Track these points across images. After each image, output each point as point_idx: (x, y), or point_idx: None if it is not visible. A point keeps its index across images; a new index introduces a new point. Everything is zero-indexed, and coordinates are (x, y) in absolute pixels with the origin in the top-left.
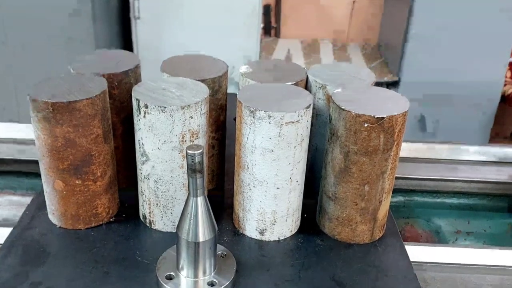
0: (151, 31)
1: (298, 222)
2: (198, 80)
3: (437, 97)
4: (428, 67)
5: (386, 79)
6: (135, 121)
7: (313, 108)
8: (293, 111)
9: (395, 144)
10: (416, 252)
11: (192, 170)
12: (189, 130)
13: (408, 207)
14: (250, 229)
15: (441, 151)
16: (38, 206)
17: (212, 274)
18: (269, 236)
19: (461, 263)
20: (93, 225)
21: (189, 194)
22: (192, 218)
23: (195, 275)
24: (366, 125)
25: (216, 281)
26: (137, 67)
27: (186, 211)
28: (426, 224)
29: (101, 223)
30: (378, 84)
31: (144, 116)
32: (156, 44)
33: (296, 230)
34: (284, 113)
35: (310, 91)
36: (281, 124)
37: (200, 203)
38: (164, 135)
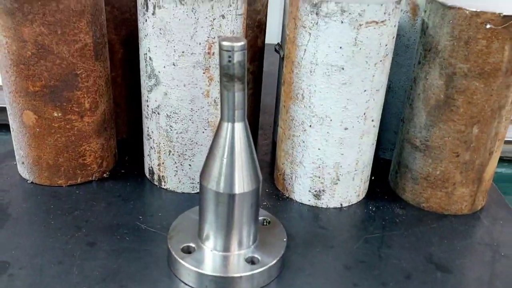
0: None
1: (367, 184)
2: None
3: None
4: None
5: None
6: (139, 25)
7: None
8: (378, 3)
9: None
10: None
11: (229, 76)
12: (219, 37)
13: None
14: (301, 191)
15: None
16: (4, 155)
17: (252, 247)
18: (328, 201)
19: None
20: (78, 181)
21: (221, 118)
22: (225, 157)
23: (227, 248)
24: (488, 26)
25: (258, 258)
26: None
27: (216, 145)
28: None
29: (90, 179)
30: None
31: (154, 14)
32: None
33: (364, 195)
34: (365, 6)
35: None
36: (360, 25)
37: (239, 133)
38: (183, 42)
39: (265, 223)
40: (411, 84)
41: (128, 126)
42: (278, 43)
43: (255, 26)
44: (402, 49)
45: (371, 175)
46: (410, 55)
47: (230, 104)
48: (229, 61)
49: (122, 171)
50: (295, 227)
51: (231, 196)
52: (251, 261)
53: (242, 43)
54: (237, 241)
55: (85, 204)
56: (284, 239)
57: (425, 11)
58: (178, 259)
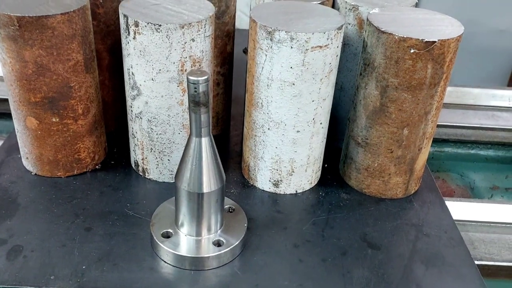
0: None
1: (319, 173)
2: None
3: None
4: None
5: None
6: (123, 45)
7: None
8: (321, 32)
9: (444, 77)
10: (458, 209)
11: (195, 102)
12: (190, 56)
13: (438, 159)
14: (263, 180)
15: (480, 95)
16: (9, 149)
17: (219, 232)
18: (285, 189)
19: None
20: (75, 172)
21: (190, 134)
22: (194, 164)
23: (198, 233)
24: (412, 51)
25: (224, 240)
26: None
27: (187, 155)
28: (460, 178)
29: (84, 170)
30: None
31: (134, 38)
32: None
33: (316, 183)
34: (310, 35)
35: None
36: (306, 49)
37: (205, 145)
38: (160, 62)
39: (230, 210)
40: (354, 91)
41: (116, 121)
42: (246, 48)
43: (224, 36)
44: (350, 57)
45: (325, 163)
46: (358, 61)
47: (197, 124)
48: (195, 91)
49: (112, 162)
50: (256, 212)
51: (200, 195)
52: (218, 244)
53: (206, 77)
54: (206, 228)
55: (82, 193)
56: (245, 224)
57: (365, 31)
58: (159, 243)
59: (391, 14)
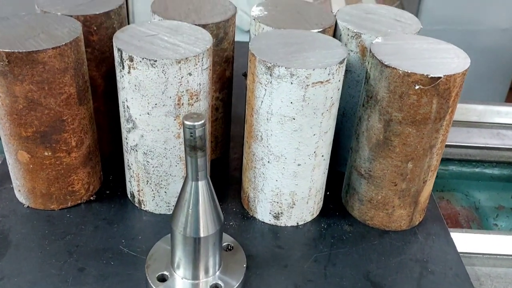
0: None
1: (321, 203)
2: (198, 26)
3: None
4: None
5: None
6: (118, 78)
7: None
8: (323, 67)
9: (450, 111)
10: (463, 240)
11: (192, 147)
12: (187, 90)
13: (442, 177)
14: (263, 212)
15: (484, 112)
16: (1, 178)
17: (217, 273)
18: (286, 221)
19: None
20: (69, 204)
21: (186, 177)
22: (191, 208)
23: (195, 276)
24: (417, 87)
25: (222, 284)
26: (121, 7)
27: (182, 199)
28: (465, 198)
29: (79, 202)
30: None
31: (129, 72)
32: None
33: (318, 213)
34: (311, 71)
35: (339, 40)
36: (307, 85)
37: (202, 189)
38: (155, 96)
39: (229, 248)
40: (357, 121)
41: (111, 146)
42: (245, 72)
43: (223, 62)
44: (353, 83)
45: (327, 189)
46: (360, 88)
47: (194, 167)
48: (191, 136)
49: (107, 192)
50: (256, 247)
51: (197, 239)
52: (216, 287)
53: (202, 121)
54: (203, 270)
55: (76, 228)
56: (244, 265)
57: (368, 63)
58: (154, 287)
59: (394, 44)
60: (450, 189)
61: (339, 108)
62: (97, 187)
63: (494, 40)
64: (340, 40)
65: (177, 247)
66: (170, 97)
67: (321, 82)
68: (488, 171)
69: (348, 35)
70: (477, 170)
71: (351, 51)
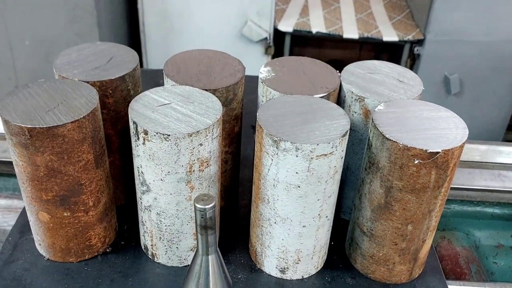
0: None
1: (325, 257)
2: (209, 91)
3: (464, 58)
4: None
5: (410, 37)
6: (133, 146)
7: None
8: (326, 142)
9: (448, 179)
10: None
11: (202, 227)
12: (198, 159)
13: (444, 216)
14: (269, 266)
15: (486, 152)
16: (22, 229)
17: None
18: (292, 275)
19: None
20: (86, 257)
21: (197, 251)
22: (201, 280)
23: None
24: (416, 161)
25: None
26: (136, 69)
27: (193, 271)
28: (465, 238)
29: (96, 254)
30: (398, 46)
31: (144, 143)
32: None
33: (322, 265)
34: (315, 146)
35: (344, 102)
36: (311, 158)
37: (212, 263)
38: (168, 165)
39: None
40: (360, 182)
41: (125, 195)
42: (254, 126)
43: (232, 119)
44: (356, 141)
45: (331, 240)
46: (363, 146)
47: (204, 244)
48: (202, 217)
49: (122, 242)
50: None
51: None
52: None
53: (212, 204)
54: None
55: (93, 281)
56: None
57: (370, 131)
58: None
59: (396, 112)
60: (452, 228)
61: (343, 163)
62: (113, 239)
63: (507, 51)
64: (344, 101)
65: None
66: (182, 166)
67: (325, 155)
68: (489, 209)
69: (352, 97)
70: (478, 208)
71: (355, 112)
